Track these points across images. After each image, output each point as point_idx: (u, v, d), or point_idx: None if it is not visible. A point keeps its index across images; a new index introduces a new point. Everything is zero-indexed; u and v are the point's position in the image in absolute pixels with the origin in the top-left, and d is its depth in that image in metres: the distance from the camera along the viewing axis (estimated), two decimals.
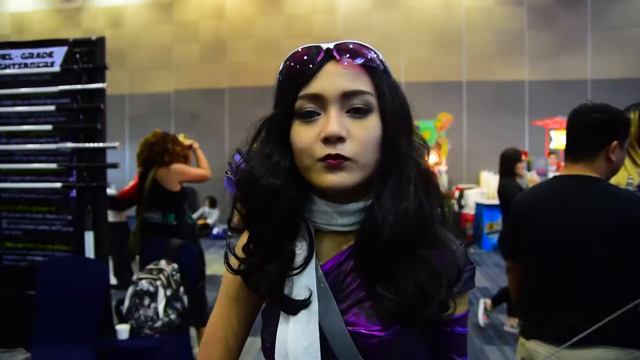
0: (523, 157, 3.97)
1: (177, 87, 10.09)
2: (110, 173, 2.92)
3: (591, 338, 1.38)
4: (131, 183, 4.64)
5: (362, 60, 0.67)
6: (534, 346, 1.54)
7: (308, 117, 0.67)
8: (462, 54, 9.26)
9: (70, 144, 2.73)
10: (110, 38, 10.90)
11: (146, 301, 2.69)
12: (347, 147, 0.64)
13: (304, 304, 0.67)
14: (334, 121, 0.64)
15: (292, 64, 0.68)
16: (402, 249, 0.66)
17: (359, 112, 0.66)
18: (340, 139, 0.64)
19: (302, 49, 0.69)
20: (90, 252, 2.78)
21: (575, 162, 1.53)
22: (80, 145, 2.72)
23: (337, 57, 0.66)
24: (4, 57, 2.84)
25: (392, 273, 0.66)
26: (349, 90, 0.65)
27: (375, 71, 0.68)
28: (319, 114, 0.66)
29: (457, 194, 8.09)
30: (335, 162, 0.64)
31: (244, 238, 0.76)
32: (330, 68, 0.66)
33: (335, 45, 0.67)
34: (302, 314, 0.67)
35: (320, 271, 0.70)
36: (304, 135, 0.66)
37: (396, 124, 0.68)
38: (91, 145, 2.72)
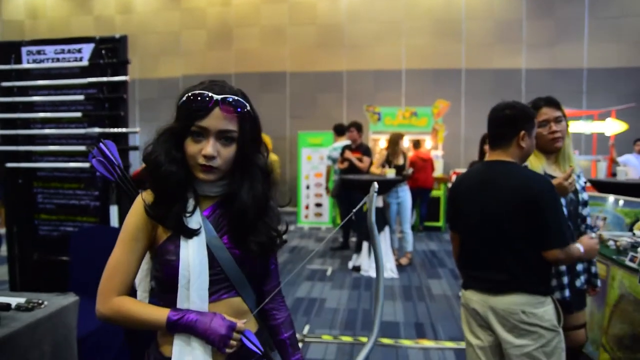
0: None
1: (186, 72, 10.43)
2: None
3: (507, 287, 1.80)
4: (143, 165, 5.04)
5: (236, 111, 1.09)
6: (469, 295, 1.96)
7: (197, 136, 1.08)
8: (462, 42, 9.53)
9: (97, 129, 3.13)
10: (120, 24, 11.29)
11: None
12: (216, 162, 1.08)
13: (196, 232, 1.11)
14: (210, 147, 1.07)
15: (194, 102, 1.07)
16: (254, 212, 1.15)
17: (227, 141, 1.09)
18: (213, 157, 1.07)
19: (200, 94, 1.07)
20: (114, 223, 3.20)
21: (494, 150, 1.93)
22: (106, 130, 3.12)
23: (221, 107, 1.07)
24: (39, 52, 3.23)
25: (249, 224, 1.15)
26: (224, 129, 1.08)
27: (242, 116, 1.10)
28: (203, 137, 1.08)
29: (454, 178, 8.44)
30: (207, 169, 1.09)
31: (149, 194, 1.15)
32: (216, 112, 1.07)
33: (222, 99, 1.07)
34: (195, 239, 1.11)
35: (202, 214, 1.15)
36: (193, 148, 1.09)
37: (248, 147, 1.13)
38: (115, 130, 3.11)
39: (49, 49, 3.22)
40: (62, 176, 3.28)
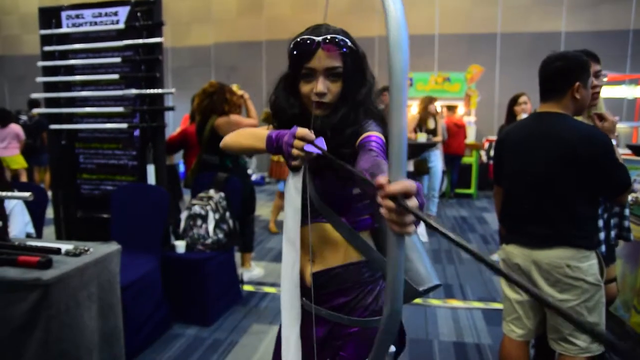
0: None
1: (217, 40, 10.47)
2: None
3: (552, 241, 1.80)
4: (178, 129, 5.16)
5: (338, 49, 1.16)
6: (511, 249, 1.95)
7: (308, 77, 1.19)
8: (498, 5, 9.18)
9: (134, 90, 3.22)
10: None
11: (199, 222, 3.25)
12: (327, 97, 1.18)
13: (297, 169, 1.22)
14: (321, 84, 1.17)
15: (299, 48, 1.17)
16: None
17: (334, 77, 1.18)
18: (324, 94, 1.17)
19: (302, 39, 1.17)
20: (151, 181, 3.32)
21: (546, 102, 1.88)
22: (142, 91, 3.21)
23: (323, 47, 1.15)
24: (77, 16, 3.33)
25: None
26: (329, 66, 1.17)
27: (345, 53, 1.18)
28: (313, 77, 1.18)
29: (487, 145, 8.30)
30: (320, 105, 1.19)
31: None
32: (320, 53, 1.16)
33: (323, 39, 1.15)
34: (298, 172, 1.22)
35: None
36: (306, 88, 1.20)
37: (353, 80, 1.21)
38: (151, 91, 3.20)
39: (87, 13, 3.31)
40: (102, 137, 3.41)
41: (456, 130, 7.03)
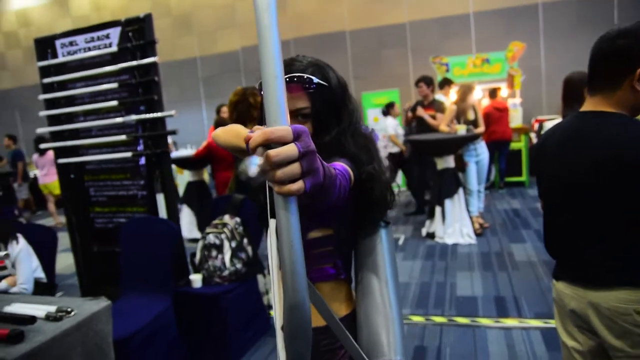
0: None
1: (244, 44, 10.27)
2: (193, 134, 3.15)
3: (613, 279, 1.37)
4: (204, 143, 4.96)
5: (303, 89, 1.04)
6: (561, 288, 1.52)
7: None
8: None
9: (134, 116, 3.00)
10: (176, 3, 11.23)
11: (214, 253, 2.99)
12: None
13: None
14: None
15: (261, 89, 1.03)
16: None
17: (303, 118, 1.07)
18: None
19: None
20: (162, 211, 3.10)
21: (594, 95, 1.43)
22: (142, 116, 2.98)
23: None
24: (71, 43, 3.14)
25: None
26: (293, 109, 1.05)
27: (314, 92, 1.05)
28: None
29: (536, 126, 7.62)
30: None
31: None
32: None
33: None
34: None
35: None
36: None
37: (324, 119, 1.09)
38: (151, 115, 2.97)
39: (80, 39, 3.11)
40: (109, 167, 3.23)
41: (498, 115, 6.46)
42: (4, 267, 2.75)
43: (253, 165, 0.55)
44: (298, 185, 0.57)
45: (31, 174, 9.09)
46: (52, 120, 3.29)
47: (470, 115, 5.05)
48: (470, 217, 4.99)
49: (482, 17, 8.32)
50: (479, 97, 6.97)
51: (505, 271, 3.91)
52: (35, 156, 7.58)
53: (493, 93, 6.76)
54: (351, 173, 0.99)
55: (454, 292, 3.58)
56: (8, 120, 11.85)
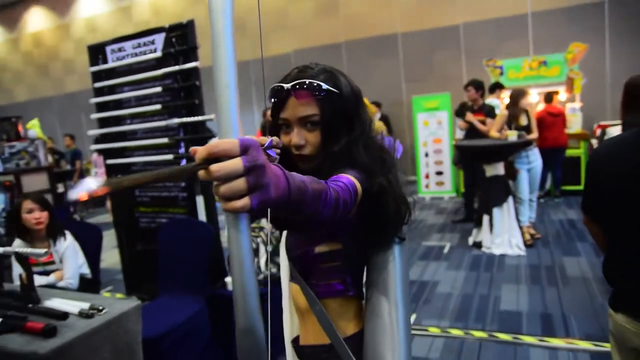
0: None
1: (296, 47, 10.36)
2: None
3: None
4: None
5: (311, 95, 1.01)
6: (621, 321, 1.37)
7: (286, 128, 1.07)
8: None
9: (176, 120, 3.08)
10: None
11: None
12: (306, 149, 1.05)
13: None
14: (295, 136, 1.04)
15: (272, 97, 1.06)
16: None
17: (312, 125, 1.04)
18: (301, 146, 1.04)
19: (273, 88, 1.05)
20: (202, 213, 3.16)
21: None
22: (184, 120, 3.06)
23: (294, 94, 1.02)
24: (120, 49, 3.27)
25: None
26: (302, 116, 1.03)
27: (323, 99, 1.02)
28: (290, 127, 1.06)
29: (598, 132, 7.17)
30: (300, 157, 1.06)
31: None
32: (292, 101, 1.03)
33: (292, 86, 1.01)
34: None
35: None
36: (285, 139, 1.06)
37: (334, 126, 1.04)
38: (192, 119, 3.04)
39: (127, 45, 3.24)
40: (152, 169, 3.32)
41: (552, 120, 6.11)
42: (52, 262, 2.91)
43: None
44: (243, 202, 0.53)
45: (92, 173, 9.61)
46: (102, 122, 3.44)
47: (523, 121, 4.82)
48: (521, 227, 4.76)
49: (540, 17, 7.94)
50: (533, 102, 6.64)
51: (555, 286, 3.69)
52: (94, 155, 7.97)
53: (549, 97, 6.41)
54: (358, 186, 0.93)
55: (497, 306, 3.41)
56: (75, 121, 12.58)
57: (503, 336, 2.98)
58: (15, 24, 14.10)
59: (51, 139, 9.46)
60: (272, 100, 1.05)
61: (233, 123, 0.56)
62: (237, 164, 0.52)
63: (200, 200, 3.15)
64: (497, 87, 5.71)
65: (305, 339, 1.20)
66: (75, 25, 12.82)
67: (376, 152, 1.09)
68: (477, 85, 5.34)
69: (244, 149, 0.53)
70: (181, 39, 3.03)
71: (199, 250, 2.89)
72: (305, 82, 1.01)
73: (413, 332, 3.15)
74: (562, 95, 7.12)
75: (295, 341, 1.27)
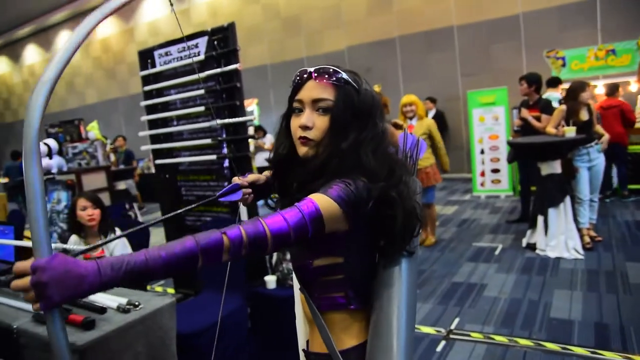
0: None
1: (349, 43, 10.32)
2: None
3: None
4: None
5: (329, 80, 1.05)
6: None
7: (298, 112, 1.08)
8: None
9: (218, 121, 3.16)
10: (284, 6, 11.64)
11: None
12: (311, 133, 1.05)
13: None
14: (305, 117, 1.05)
15: (294, 81, 1.10)
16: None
17: (323, 111, 1.05)
18: (307, 127, 1.04)
19: (298, 71, 1.09)
20: (244, 213, 3.22)
21: None
22: (226, 121, 3.13)
23: (314, 77, 1.06)
24: (166, 54, 3.40)
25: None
26: (317, 97, 1.05)
27: (339, 87, 1.05)
28: (302, 110, 1.07)
29: None
30: (304, 140, 1.06)
31: None
32: (310, 83, 1.07)
33: (315, 69, 1.06)
34: None
35: None
36: (294, 123, 1.09)
37: (344, 118, 1.04)
38: (233, 120, 3.10)
39: (173, 49, 3.36)
40: (197, 169, 3.44)
41: (609, 115, 5.70)
42: (103, 257, 3.07)
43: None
44: (36, 306, 0.73)
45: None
46: (152, 124, 3.59)
47: (584, 116, 4.53)
48: (580, 229, 4.49)
49: (610, 3, 7.41)
50: (595, 95, 6.22)
51: (615, 294, 3.44)
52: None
53: (612, 89, 5.97)
54: (327, 209, 0.95)
55: (547, 313, 3.24)
56: (138, 121, 13.25)
57: (551, 346, 2.82)
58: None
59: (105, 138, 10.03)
60: (294, 82, 1.09)
61: (41, 245, 0.77)
62: (24, 282, 0.73)
63: None
64: (553, 82, 5.42)
65: (312, 346, 1.20)
66: (139, 29, 13.48)
67: (386, 161, 1.06)
68: (531, 79, 5.08)
69: (34, 270, 0.72)
70: (223, 41, 3.09)
71: None
72: (328, 67, 1.05)
73: (455, 336, 3.06)
74: (633, 86, 6.62)
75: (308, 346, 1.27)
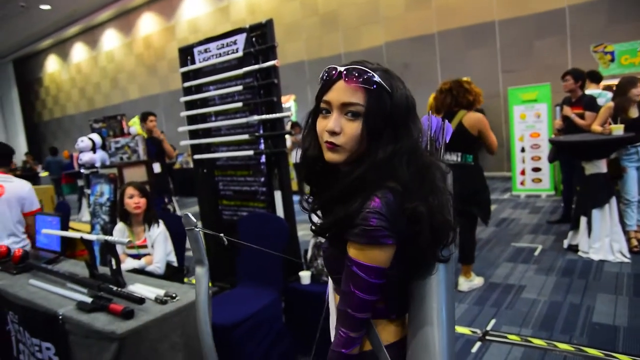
0: None
1: (387, 39, 10.23)
2: None
3: None
4: None
5: (360, 82, 0.96)
6: None
7: (325, 113, 1.01)
8: None
9: (256, 117, 3.20)
10: (323, 2, 11.63)
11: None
12: (339, 139, 0.98)
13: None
14: (332, 121, 0.98)
15: (322, 78, 1.02)
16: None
17: (352, 116, 0.97)
18: (335, 133, 0.97)
19: (327, 69, 1.01)
20: (279, 208, 3.26)
21: None
22: (263, 117, 3.16)
23: (344, 78, 0.97)
24: (206, 50, 3.46)
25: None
26: (346, 101, 0.97)
27: (370, 90, 0.96)
28: (329, 112, 1.00)
29: None
30: (331, 146, 0.99)
31: None
32: (339, 84, 0.98)
33: (345, 69, 0.97)
34: None
35: None
36: (320, 124, 1.02)
37: (376, 124, 0.97)
38: (271, 116, 3.13)
39: (212, 46, 3.41)
40: (235, 164, 3.49)
41: None
42: (145, 246, 3.17)
43: None
44: None
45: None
46: (190, 120, 3.67)
47: (633, 113, 4.33)
48: (627, 232, 4.30)
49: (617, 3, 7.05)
50: None
51: None
52: None
53: None
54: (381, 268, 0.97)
55: (589, 318, 3.12)
56: (178, 116, 13.53)
57: (593, 351, 2.72)
58: (130, 30, 15.50)
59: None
60: (322, 80, 1.01)
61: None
62: None
63: (278, 195, 3.25)
64: (595, 77, 5.21)
65: None
66: (180, 27, 13.78)
67: (420, 172, 1.00)
68: (577, 74, 4.89)
69: None
70: (261, 38, 3.12)
71: (274, 244, 2.97)
72: (359, 67, 0.97)
73: (491, 337, 3.00)
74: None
75: None
